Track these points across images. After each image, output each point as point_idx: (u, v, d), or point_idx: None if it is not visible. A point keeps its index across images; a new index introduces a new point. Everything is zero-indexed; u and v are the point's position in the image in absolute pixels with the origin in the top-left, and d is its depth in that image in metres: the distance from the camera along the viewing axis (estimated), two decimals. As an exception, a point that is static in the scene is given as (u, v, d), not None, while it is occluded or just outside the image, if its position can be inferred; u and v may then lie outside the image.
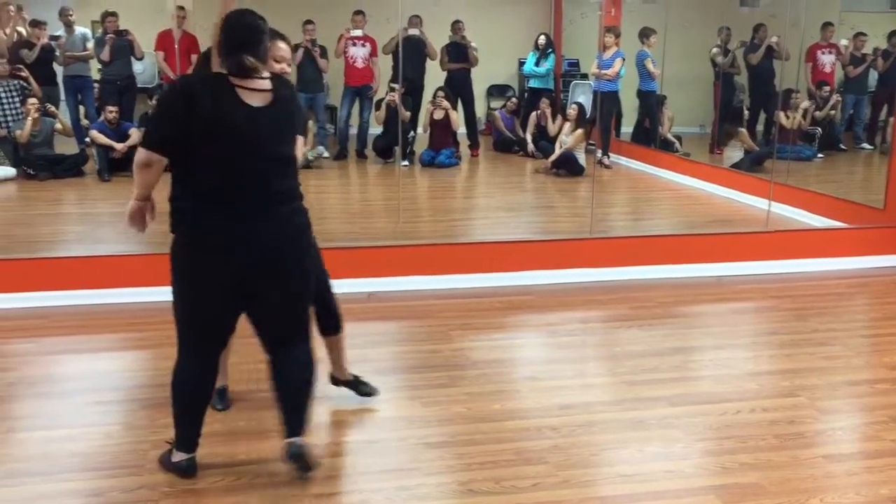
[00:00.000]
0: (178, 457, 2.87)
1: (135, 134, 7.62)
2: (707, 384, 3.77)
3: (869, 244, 5.84)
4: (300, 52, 8.12)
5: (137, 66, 8.18)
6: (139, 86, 8.25)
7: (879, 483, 2.94)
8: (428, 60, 8.54)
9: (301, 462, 2.83)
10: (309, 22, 8.31)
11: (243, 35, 2.66)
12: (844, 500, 2.83)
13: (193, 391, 2.82)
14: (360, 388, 3.54)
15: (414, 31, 8.16)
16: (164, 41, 7.85)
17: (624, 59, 8.45)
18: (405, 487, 2.86)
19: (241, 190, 2.64)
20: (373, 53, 8.50)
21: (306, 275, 2.86)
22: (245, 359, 3.95)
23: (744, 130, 8.28)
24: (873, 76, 8.20)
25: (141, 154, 2.63)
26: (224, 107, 2.60)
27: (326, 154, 8.34)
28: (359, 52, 8.47)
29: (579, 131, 8.27)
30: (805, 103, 7.82)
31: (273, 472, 2.92)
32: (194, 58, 7.79)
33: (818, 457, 3.13)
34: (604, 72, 8.22)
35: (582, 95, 9.69)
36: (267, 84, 2.70)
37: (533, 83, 9.87)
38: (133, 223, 2.78)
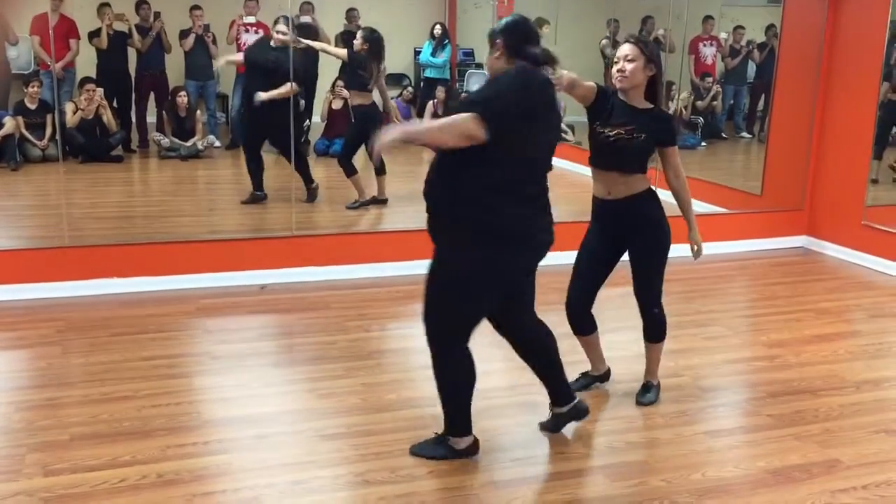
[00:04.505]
0: (464, 442, 2.96)
1: (8, 122, 7.21)
2: (597, 367, 3.87)
3: (748, 228, 6.14)
4: (191, 38, 7.87)
5: (11, 52, 7.73)
6: (14, 71, 7.80)
7: (757, 456, 3.10)
8: (320, 49, 8.42)
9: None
10: (196, 7, 8.04)
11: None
12: (724, 472, 2.97)
13: (473, 378, 2.92)
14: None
15: (306, 19, 8.02)
16: (39, 25, 7.44)
17: (517, 50, 8.55)
18: (299, 481, 2.82)
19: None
20: (265, 40, 8.30)
21: None
22: (127, 357, 3.82)
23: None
24: (753, 67, 8.58)
25: None
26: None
27: (218, 143, 8.11)
28: (252, 40, 8.24)
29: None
30: (683, 94, 8.10)
31: (160, 473, 2.83)
32: (72, 42, 7.53)
33: (700, 433, 3.27)
34: (498, 61, 8.29)
35: (477, 84, 9.76)
36: None
37: (429, 73, 9.88)
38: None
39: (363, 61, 6.32)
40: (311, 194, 6.32)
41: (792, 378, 3.81)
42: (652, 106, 3.25)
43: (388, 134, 2.60)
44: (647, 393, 3.51)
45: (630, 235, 3.33)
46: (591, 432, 3.27)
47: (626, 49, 3.19)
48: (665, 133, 3.29)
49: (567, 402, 3.16)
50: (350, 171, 6.41)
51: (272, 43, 6.29)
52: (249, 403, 3.42)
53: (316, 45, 6.65)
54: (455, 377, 2.91)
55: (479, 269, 2.76)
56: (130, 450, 2.97)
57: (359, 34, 6.53)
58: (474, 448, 3.00)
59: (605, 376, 3.64)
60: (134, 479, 2.79)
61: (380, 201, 6.44)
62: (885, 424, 3.37)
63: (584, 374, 3.63)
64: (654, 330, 3.47)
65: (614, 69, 3.21)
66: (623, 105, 3.21)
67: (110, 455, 2.93)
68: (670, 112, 7.50)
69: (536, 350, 3.11)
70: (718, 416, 3.48)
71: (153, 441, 3.04)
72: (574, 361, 3.64)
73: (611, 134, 3.20)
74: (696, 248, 3.43)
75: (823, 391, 3.67)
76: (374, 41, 6.34)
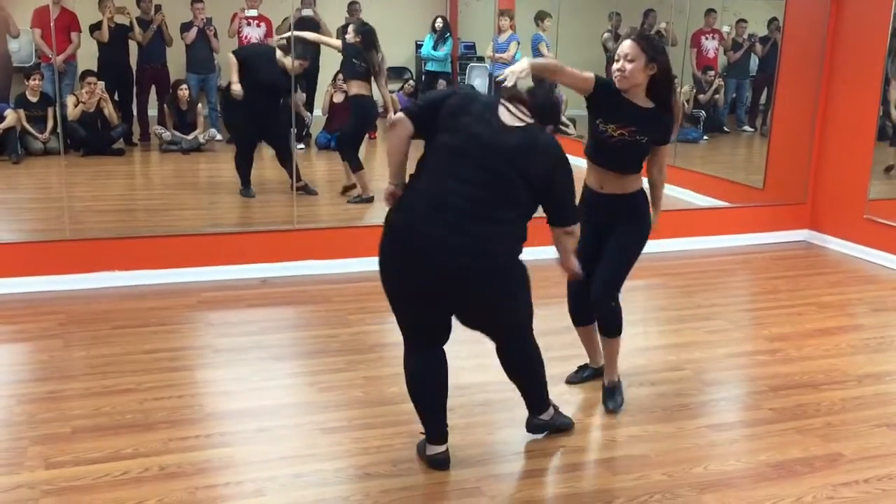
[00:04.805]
0: (431, 450, 2.89)
1: (10, 115, 7.20)
2: (599, 360, 3.87)
3: (750, 222, 6.13)
4: (192, 31, 7.85)
5: (13, 45, 7.71)
6: (15, 64, 7.78)
7: (759, 450, 3.09)
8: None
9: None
10: (198, 0, 8.02)
11: None
12: (726, 466, 2.97)
13: (424, 386, 2.90)
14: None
15: (308, 12, 8.00)
16: (40, 18, 7.43)
17: (519, 43, 8.54)
18: (301, 474, 2.82)
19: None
20: (268, 34, 8.28)
21: None
22: (129, 350, 3.82)
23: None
24: (755, 61, 8.55)
25: None
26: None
27: (219, 137, 8.10)
28: (254, 33, 8.24)
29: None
30: (685, 88, 8.09)
31: (162, 465, 2.83)
32: (74, 35, 7.52)
33: (702, 427, 3.26)
34: (499, 55, 8.28)
35: (478, 78, 9.74)
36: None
37: (430, 66, 9.85)
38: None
39: (359, 51, 6.33)
40: (305, 191, 6.26)
41: (794, 372, 3.80)
42: (654, 105, 3.21)
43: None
44: (614, 396, 3.40)
45: (613, 223, 3.30)
46: (592, 426, 3.27)
47: (626, 47, 3.10)
48: (663, 134, 3.26)
49: (534, 412, 3.09)
50: (356, 166, 6.38)
51: (277, 56, 6.28)
52: (251, 396, 3.42)
53: (310, 35, 6.63)
54: (408, 378, 2.87)
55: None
56: (132, 442, 2.97)
57: (350, 27, 6.54)
58: (440, 461, 2.87)
59: (601, 371, 3.62)
60: (136, 471, 2.80)
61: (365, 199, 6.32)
62: (886, 418, 3.37)
63: (583, 367, 3.62)
64: (611, 324, 3.37)
65: (614, 67, 3.16)
66: (627, 103, 3.17)
67: (112, 448, 2.93)
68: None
69: (511, 371, 3.07)
70: (720, 410, 3.48)
71: (155, 434, 3.04)
72: (574, 356, 3.65)
73: (614, 134, 3.15)
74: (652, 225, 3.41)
75: (825, 385, 3.67)
76: (366, 33, 6.36)
